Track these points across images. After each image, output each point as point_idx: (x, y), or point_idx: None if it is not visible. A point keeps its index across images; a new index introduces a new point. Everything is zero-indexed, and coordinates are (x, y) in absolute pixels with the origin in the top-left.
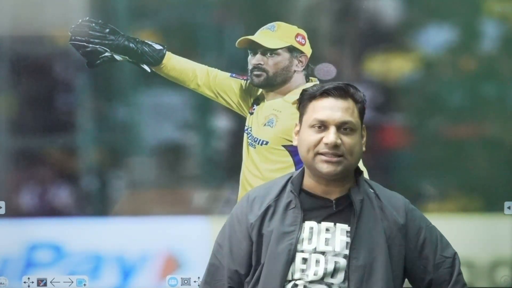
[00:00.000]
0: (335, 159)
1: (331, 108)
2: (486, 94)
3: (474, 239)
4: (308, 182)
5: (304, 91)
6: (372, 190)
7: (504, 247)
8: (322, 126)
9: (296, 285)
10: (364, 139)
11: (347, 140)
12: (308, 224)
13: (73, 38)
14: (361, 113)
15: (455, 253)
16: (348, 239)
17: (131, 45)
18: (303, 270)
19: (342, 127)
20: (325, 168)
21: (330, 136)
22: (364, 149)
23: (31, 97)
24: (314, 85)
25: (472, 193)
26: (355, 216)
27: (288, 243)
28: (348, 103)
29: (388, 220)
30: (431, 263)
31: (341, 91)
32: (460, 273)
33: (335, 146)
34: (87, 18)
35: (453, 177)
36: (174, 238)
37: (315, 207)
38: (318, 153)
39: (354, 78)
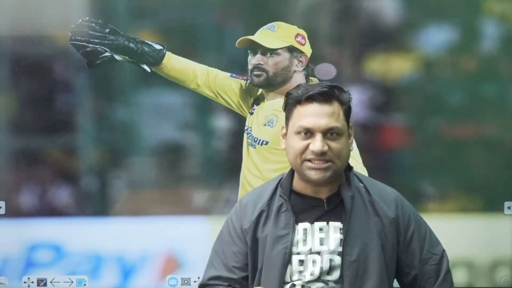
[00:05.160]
0: (323, 165)
1: (316, 115)
2: (486, 94)
3: (474, 239)
4: (298, 184)
5: (288, 94)
6: (362, 184)
7: (504, 247)
8: (308, 132)
9: (294, 285)
10: (352, 137)
11: (334, 145)
12: (301, 226)
13: (73, 38)
14: (347, 114)
15: (444, 251)
16: (342, 236)
17: (131, 45)
18: (300, 272)
19: (329, 133)
20: (314, 175)
21: (317, 143)
22: (351, 148)
23: (31, 97)
24: (299, 87)
25: (472, 193)
26: (346, 213)
27: (283, 246)
28: (333, 108)
29: (379, 215)
30: (417, 258)
31: (326, 96)
32: (448, 272)
33: (322, 153)
34: (87, 18)
35: (453, 177)
36: (174, 238)
37: (307, 208)
38: (305, 160)
39: (354, 78)
